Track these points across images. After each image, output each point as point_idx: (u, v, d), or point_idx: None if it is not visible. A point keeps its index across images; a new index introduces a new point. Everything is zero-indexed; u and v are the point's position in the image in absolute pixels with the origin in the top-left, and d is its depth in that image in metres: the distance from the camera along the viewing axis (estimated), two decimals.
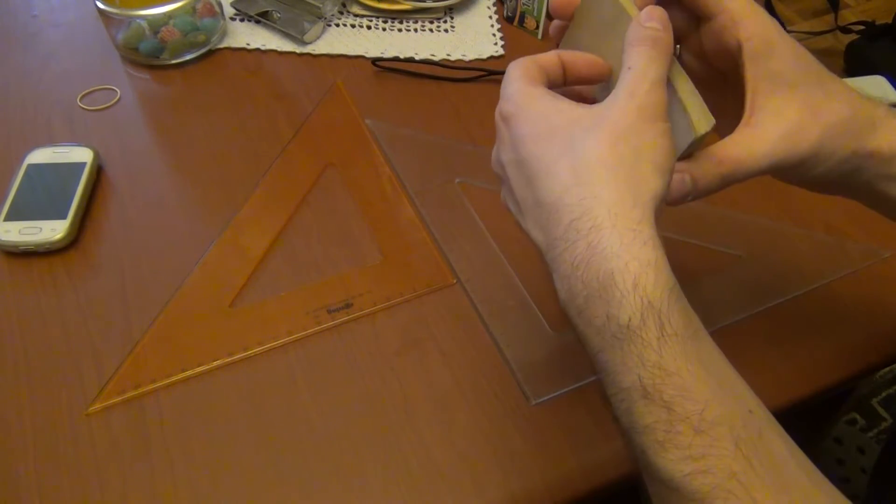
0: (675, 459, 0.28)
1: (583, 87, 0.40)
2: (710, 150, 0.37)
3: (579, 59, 0.37)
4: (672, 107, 0.36)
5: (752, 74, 0.37)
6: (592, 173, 0.31)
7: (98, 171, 0.60)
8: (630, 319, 0.29)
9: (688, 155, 0.37)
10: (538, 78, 0.36)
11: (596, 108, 0.34)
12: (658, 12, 0.34)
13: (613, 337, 0.30)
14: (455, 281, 0.54)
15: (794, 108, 0.37)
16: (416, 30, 0.76)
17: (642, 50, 0.34)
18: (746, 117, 0.37)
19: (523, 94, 0.35)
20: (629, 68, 0.34)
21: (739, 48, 0.37)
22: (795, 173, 0.38)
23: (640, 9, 0.35)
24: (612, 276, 0.29)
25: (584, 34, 0.39)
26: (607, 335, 0.30)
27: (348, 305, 0.52)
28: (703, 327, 0.31)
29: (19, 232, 0.54)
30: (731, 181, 0.37)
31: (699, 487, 0.28)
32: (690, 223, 0.58)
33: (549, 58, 0.37)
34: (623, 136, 0.32)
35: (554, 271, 0.33)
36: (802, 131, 0.36)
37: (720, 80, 0.40)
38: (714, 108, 0.36)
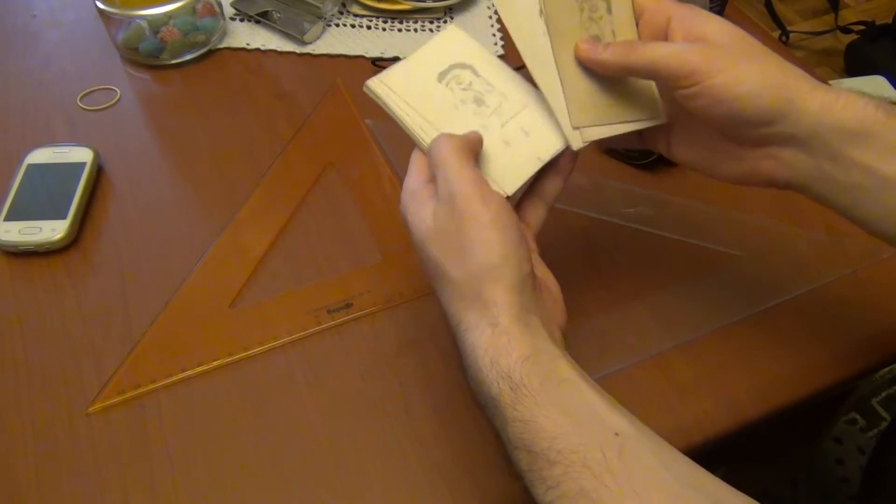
0: (542, 492, 0.32)
1: None
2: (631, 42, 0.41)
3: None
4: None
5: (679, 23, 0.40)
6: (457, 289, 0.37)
7: (98, 171, 0.60)
8: (491, 391, 0.35)
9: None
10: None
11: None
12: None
13: (485, 406, 0.36)
14: None
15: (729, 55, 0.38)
16: (416, 30, 0.76)
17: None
18: (672, 37, 0.40)
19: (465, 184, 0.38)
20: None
21: (668, 21, 0.40)
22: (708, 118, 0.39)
23: None
24: (478, 362, 0.35)
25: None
26: (482, 403, 0.36)
27: (348, 305, 0.52)
28: (574, 376, 0.35)
29: (19, 232, 0.54)
30: (629, 68, 0.40)
31: None
32: (690, 223, 0.58)
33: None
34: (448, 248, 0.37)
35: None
36: (736, 68, 0.37)
37: None
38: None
